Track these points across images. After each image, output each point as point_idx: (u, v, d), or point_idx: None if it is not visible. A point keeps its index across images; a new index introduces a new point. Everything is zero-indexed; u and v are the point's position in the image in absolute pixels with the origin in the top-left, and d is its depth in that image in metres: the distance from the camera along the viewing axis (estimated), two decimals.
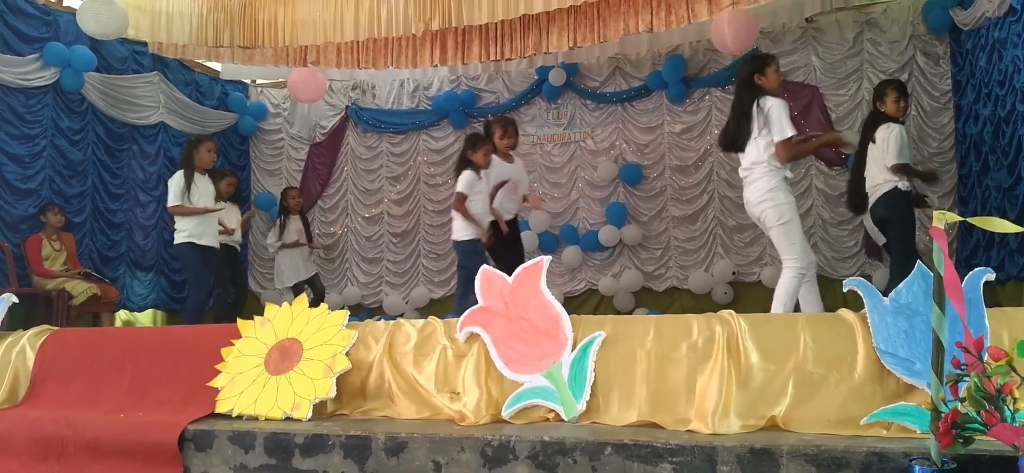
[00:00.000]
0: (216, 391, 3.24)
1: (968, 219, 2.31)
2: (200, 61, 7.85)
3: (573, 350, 2.90)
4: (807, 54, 7.15)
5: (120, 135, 7.23)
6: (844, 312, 2.82)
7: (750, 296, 6.99)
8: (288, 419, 3.03)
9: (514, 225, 5.72)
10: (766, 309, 4.19)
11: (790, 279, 4.02)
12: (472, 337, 3.08)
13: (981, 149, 5.89)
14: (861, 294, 2.67)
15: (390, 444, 2.68)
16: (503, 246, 5.52)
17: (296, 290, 7.35)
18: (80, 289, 6.08)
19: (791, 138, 4.02)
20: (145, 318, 7.59)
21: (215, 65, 8.29)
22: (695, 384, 2.72)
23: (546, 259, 3.11)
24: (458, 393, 2.99)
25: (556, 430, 2.65)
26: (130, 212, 7.34)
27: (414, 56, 6.23)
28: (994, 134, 5.62)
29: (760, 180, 4.10)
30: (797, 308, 4.06)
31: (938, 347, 2.05)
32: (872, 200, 4.92)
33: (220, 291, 6.33)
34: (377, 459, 2.69)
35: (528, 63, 7.86)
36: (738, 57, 6.89)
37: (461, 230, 5.33)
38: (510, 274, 3.09)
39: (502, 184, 5.54)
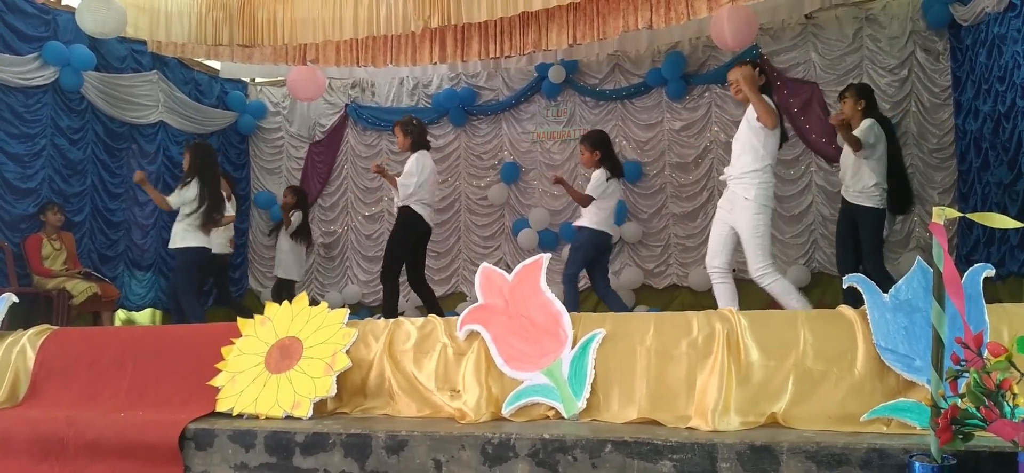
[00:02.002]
0: (216, 390, 3.25)
1: (968, 215, 2.31)
2: (199, 60, 7.84)
3: (573, 348, 2.91)
4: (807, 50, 7.14)
5: (119, 134, 7.23)
6: (844, 309, 2.82)
7: (750, 293, 6.97)
8: (288, 418, 3.03)
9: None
10: (766, 306, 4.19)
11: None
12: (472, 335, 3.08)
13: (981, 145, 5.89)
14: (861, 290, 2.67)
15: (390, 442, 2.68)
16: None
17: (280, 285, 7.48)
18: (80, 288, 6.08)
19: None
20: (143, 317, 7.59)
21: (214, 64, 8.28)
22: (695, 381, 2.72)
23: (546, 257, 3.11)
24: (458, 391, 2.99)
25: (556, 428, 2.65)
26: (129, 211, 7.34)
27: (413, 54, 6.23)
28: (994, 130, 5.62)
29: None
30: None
31: (938, 343, 2.05)
32: None
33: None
34: (377, 457, 2.69)
35: (528, 60, 7.85)
36: (737, 54, 6.89)
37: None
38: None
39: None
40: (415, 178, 5.58)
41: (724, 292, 4.30)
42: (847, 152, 5.05)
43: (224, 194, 6.69)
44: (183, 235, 5.64)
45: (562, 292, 5.59)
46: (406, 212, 5.65)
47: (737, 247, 4.32)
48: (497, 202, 8.17)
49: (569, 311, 4.59)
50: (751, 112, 4.23)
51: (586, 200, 5.54)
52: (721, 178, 4.44)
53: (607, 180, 5.50)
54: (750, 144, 4.19)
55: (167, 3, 6.32)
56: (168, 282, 6.08)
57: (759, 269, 4.14)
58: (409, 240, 5.73)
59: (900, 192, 5.16)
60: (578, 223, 5.67)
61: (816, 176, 7.11)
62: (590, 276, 5.77)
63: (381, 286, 5.94)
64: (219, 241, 6.70)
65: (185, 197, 5.62)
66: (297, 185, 8.30)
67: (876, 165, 4.90)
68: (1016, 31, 5.16)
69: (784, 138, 4.39)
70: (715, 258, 4.34)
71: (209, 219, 5.66)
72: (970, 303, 2.43)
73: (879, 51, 6.86)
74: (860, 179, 4.94)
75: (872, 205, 4.89)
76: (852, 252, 5.00)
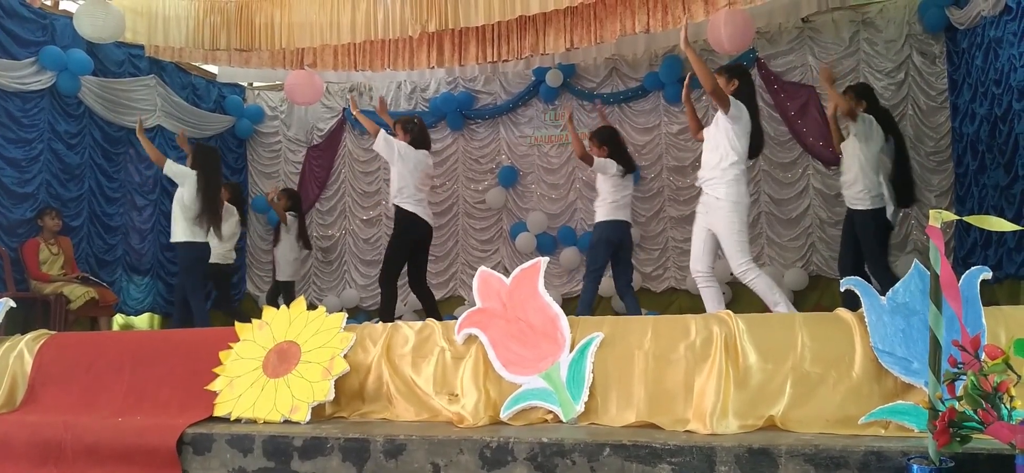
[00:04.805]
0: (214, 394, 3.24)
1: (965, 218, 2.31)
2: (197, 64, 7.84)
3: (571, 351, 2.91)
4: (803, 54, 7.15)
5: (117, 139, 7.22)
6: (842, 311, 2.83)
7: (748, 296, 6.94)
8: (286, 422, 3.03)
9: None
10: (763, 309, 4.20)
11: None
12: (470, 339, 3.08)
13: (978, 148, 5.90)
14: (858, 293, 2.68)
15: (389, 446, 2.68)
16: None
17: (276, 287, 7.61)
18: (78, 293, 6.07)
19: None
20: (142, 322, 7.58)
21: (212, 68, 8.29)
22: (693, 384, 2.72)
23: (544, 260, 3.11)
24: (456, 395, 2.99)
25: (554, 431, 2.65)
26: (127, 216, 7.33)
27: (411, 58, 6.24)
28: (991, 133, 5.63)
29: None
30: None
31: (935, 346, 2.06)
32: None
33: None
34: (376, 461, 2.69)
35: (525, 64, 7.86)
36: (734, 58, 6.90)
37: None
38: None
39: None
40: (399, 166, 5.52)
41: (711, 295, 4.36)
42: (846, 157, 5.04)
43: (234, 205, 6.75)
44: (182, 230, 5.59)
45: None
46: (400, 213, 5.57)
47: (719, 250, 4.34)
48: (495, 206, 8.17)
49: (582, 311, 4.59)
50: (719, 114, 4.27)
51: (586, 154, 5.39)
52: (696, 183, 4.45)
53: (618, 172, 5.36)
54: (716, 142, 4.24)
55: (165, 7, 6.32)
56: (175, 285, 6.04)
57: (740, 266, 4.17)
58: (407, 242, 5.62)
59: (904, 184, 5.15)
60: (594, 222, 5.54)
61: (813, 179, 7.12)
62: (612, 272, 5.61)
63: (379, 290, 5.91)
64: (221, 251, 6.69)
65: (177, 171, 5.59)
66: (291, 188, 8.29)
67: (867, 165, 4.88)
68: (1012, 34, 5.18)
69: (758, 141, 4.40)
70: (698, 262, 4.40)
71: (206, 217, 5.63)
72: (967, 306, 2.43)
73: (876, 55, 6.88)
74: (850, 181, 4.93)
75: (865, 207, 4.88)
76: (852, 256, 5.00)
